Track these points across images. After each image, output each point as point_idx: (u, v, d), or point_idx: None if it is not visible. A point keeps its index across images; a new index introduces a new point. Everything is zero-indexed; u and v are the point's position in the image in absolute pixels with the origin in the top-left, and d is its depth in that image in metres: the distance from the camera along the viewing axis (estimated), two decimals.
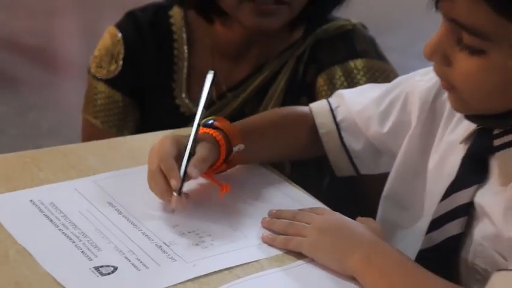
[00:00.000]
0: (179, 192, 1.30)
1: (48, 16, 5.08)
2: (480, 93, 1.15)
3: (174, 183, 1.29)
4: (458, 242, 1.25)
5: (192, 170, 1.31)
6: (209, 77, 1.39)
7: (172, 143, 1.35)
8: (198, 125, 1.37)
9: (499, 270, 1.11)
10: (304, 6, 1.68)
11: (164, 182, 1.31)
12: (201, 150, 1.34)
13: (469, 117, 1.25)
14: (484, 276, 1.17)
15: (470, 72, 1.13)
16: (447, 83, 1.19)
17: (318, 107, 1.57)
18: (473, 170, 1.26)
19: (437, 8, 1.13)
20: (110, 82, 1.81)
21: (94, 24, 5.09)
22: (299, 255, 1.26)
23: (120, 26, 1.82)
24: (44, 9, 5.13)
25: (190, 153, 1.33)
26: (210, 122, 1.45)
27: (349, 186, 1.60)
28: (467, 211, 1.24)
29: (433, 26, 1.19)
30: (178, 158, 1.33)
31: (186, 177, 1.31)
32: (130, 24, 1.82)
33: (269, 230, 1.32)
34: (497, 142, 1.22)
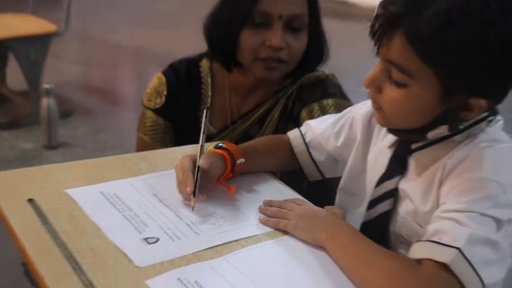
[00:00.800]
0: (194, 194, 1.30)
1: (113, 68, 5.09)
2: (400, 114, 1.16)
3: (189, 189, 1.30)
4: (388, 216, 1.26)
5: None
6: (205, 112, 1.39)
7: (189, 161, 1.36)
8: (202, 146, 1.37)
9: (417, 241, 1.09)
10: (296, 64, 1.68)
11: (184, 189, 1.32)
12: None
13: (390, 131, 1.25)
14: (407, 240, 1.17)
15: (394, 99, 1.13)
16: (377, 105, 1.19)
17: (293, 134, 1.56)
18: (397, 166, 1.26)
19: (378, 52, 1.13)
20: (156, 111, 1.81)
21: (143, 73, 5.10)
22: (285, 232, 1.26)
23: (164, 72, 1.82)
24: (110, 63, 5.14)
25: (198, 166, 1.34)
26: (220, 145, 1.45)
27: (320, 186, 1.59)
28: (394, 194, 1.25)
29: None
30: (194, 170, 1.34)
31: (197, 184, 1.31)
32: (171, 71, 1.81)
33: (263, 214, 1.31)
34: (413, 146, 1.23)
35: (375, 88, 1.17)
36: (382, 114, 1.19)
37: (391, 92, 1.13)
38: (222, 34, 1.67)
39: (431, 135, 1.17)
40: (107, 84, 4.74)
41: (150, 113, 1.82)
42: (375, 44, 1.13)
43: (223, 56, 1.71)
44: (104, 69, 5.01)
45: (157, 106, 1.81)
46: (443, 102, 1.10)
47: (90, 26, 5.93)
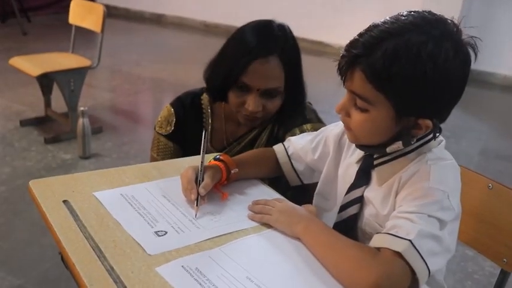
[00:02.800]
0: (197, 203, 1.29)
1: (135, 94, 5.08)
2: (365, 133, 1.15)
3: (193, 197, 1.29)
4: (356, 217, 1.25)
5: (201, 191, 1.30)
6: (204, 134, 1.38)
7: (192, 172, 1.35)
8: (202, 162, 1.36)
9: (377, 233, 1.10)
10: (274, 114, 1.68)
11: (190, 195, 1.31)
12: (207, 178, 1.34)
13: (358, 146, 1.25)
14: (370, 236, 1.16)
15: (359, 122, 1.13)
16: (347, 126, 1.19)
17: (278, 148, 1.55)
18: (363, 177, 1.25)
19: (344, 84, 1.13)
20: (167, 136, 1.79)
21: (159, 98, 5.10)
22: (268, 225, 1.25)
23: (172, 104, 1.79)
24: (133, 90, 5.13)
25: (201, 179, 1.34)
26: (217, 157, 1.45)
27: (303, 194, 1.57)
28: (360, 200, 1.24)
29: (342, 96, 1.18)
30: (196, 179, 1.34)
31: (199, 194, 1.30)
32: (179, 103, 1.79)
33: (251, 211, 1.30)
34: (375, 162, 1.23)
35: (345, 113, 1.17)
36: (351, 133, 1.19)
37: (356, 116, 1.14)
38: (216, 85, 1.67)
39: (389, 149, 1.16)
40: (130, 107, 4.73)
41: (162, 138, 1.80)
42: (341, 78, 1.13)
43: (218, 98, 1.71)
44: (128, 95, 5.00)
45: (168, 132, 1.79)
46: (397, 123, 1.11)
47: (117, 61, 5.92)
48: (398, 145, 1.15)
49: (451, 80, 1.06)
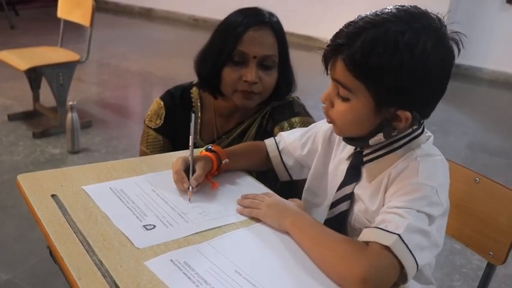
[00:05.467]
0: (188, 188, 1.30)
1: (124, 88, 5.06)
2: (346, 124, 1.17)
3: (185, 185, 1.32)
4: (346, 214, 1.25)
5: (192, 182, 1.32)
6: (193, 116, 1.38)
7: (182, 161, 1.37)
8: (191, 146, 1.36)
9: (366, 227, 1.10)
10: (269, 96, 1.69)
11: (182, 185, 1.33)
12: (198, 169, 1.35)
13: (345, 140, 1.26)
14: (360, 231, 1.16)
15: (341, 112, 1.15)
16: (329, 119, 1.20)
17: (269, 142, 1.56)
18: (353, 174, 1.26)
19: (327, 73, 1.15)
20: (156, 130, 1.79)
21: (148, 92, 5.08)
22: (257, 219, 1.25)
23: (162, 98, 1.80)
24: (121, 84, 5.11)
25: (192, 164, 1.35)
26: (209, 147, 1.46)
27: (290, 188, 1.58)
28: (351, 197, 1.24)
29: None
30: (186, 169, 1.35)
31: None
32: (168, 97, 1.79)
33: (240, 205, 1.30)
34: (365, 159, 1.23)
35: (329, 103, 1.18)
36: (335, 125, 1.20)
37: (339, 106, 1.15)
38: (208, 70, 1.67)
39: (372, 141, 1.17)
40: (119, 101, 4.71)
41: (151, 132, 1.80)
42: (325, 67, 1.15)
43: (210, 87, 1.71)
44: (117, 89, 4.98)
45: (157, 126, 1.79)
46: (377, 114, 1.12)
47: (106, 55, 5.89)
48: (379, 137, 1.15)
49: (430, 72, 1.06)
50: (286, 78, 1.71)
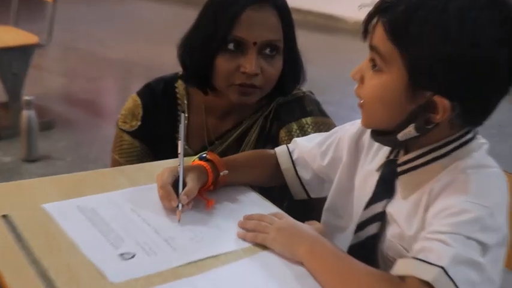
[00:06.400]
0: (178, 207, 1.31)
1: (97, 79, 5.08)
2: (374, 104, 1.19)
3: (173, 203, 1.32)
4: (376, 239, 1.26)
5: (183, 198, 1.32)
6: (183, 116, 1.41)
7: (169, 173, 1.37)
8: (181, 153, 1.38)
9: (401, 257, 1.11)
10: (272, 88, 1.69)
11: (169, 202, 1.33)
12: (190, 182, 1.36)
13: (373, 135, 1.27)
14: (393, 263, 1.16)
15: (371, 86, 1.18)
16: (359, 97, 1.22)
17: (280, 151, 1.57)
18: (384, 188, 1.26)
19: (365, 38, 1.18)
20: (132, 133, 1.79)
21: (127, 86, 5.11)
22: (263, 247, 1.25)
23: (139, 93, 1.80)
24: (94, 74, 5.13)
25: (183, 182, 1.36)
26: (204, 155, 1.46)
27: (302, 206, 1.58)
28: (381, 217, 1.25)
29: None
30: (174, 183, 1.36)
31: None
32: (147, 92, 1.80)
33: (243, 228, 1.31)
34: (399, 169, 1.24)
35: (360, 78, 1.20)
36: (364, 113, 1.23)
37: (370, 80, 1.18)
38: (196, 58, 1.66)
39: (401, 135, 1.17)
40: (91, 96, 4.74)
41: (125, 136, 1.79)
42: (364, 30, 1.18)
43: (197, 80, 1.71)
44: (88, 80, 5.01)
45: (133, 129, 1.79)
46: (410, 98, 1.13)
47: (74, 37, 5.93)
48: (410, 129, 1.15)
49: (482, 52, 1.06)
50: (292, 68, 1.71)
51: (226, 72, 1.62)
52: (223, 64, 1.62)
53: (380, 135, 1.24)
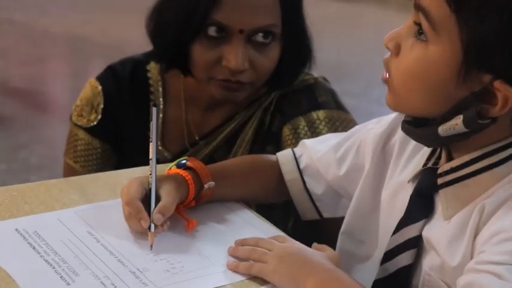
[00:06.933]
0: (149, 228, 1.31)
1: (40, 62, 5.08)
2: (412, 82, 1.17)
3: (144, 224, 1.31)
4: (409, 272, 1.26)
5: (156, 217, 1.32)
6: (155, 111, 1.39)
7: (137, 186, 1.37)
8: (155, 169, 1.38)
9: None
10: (269, 77, 1.69)
11: (138, 222, 1.33)
12: (165, 197, 1.36)
13: (404, 126, 1.25)
14: None
15: (411, 60, 1.16)
16: (387, 74, 1.21)
17: (284, 156, 1.57)
18: (421, 206, 1.26)
19: None
20: (90, 130, 1.80)
21: (82, 70, 5.10)
22: (261, 280, 1.25)
23: (100, 78, 1.81)
24: (36, 56, 5.13)
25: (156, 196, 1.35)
26: (183, 162, 1.46)
27: (311, 228, 1.59)
28: (416, 244, 1.25)
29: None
30: (145, 198, 1.36)
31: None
32: (110, 77, 1.81)
33: (234, 257, 1.31)
34: (440, 181, 1.23)
35: (394, 47, 1.19)
36: (390, 91, 1.21)
37: (409, 52, 1.16)
38: (167, 40, 1.66)
39: (443, 129, 1.15)
40: (32, 85, 4.73)
41: (81, 133, 1.81)
42: None
43: (172, 62, 1.71)
44: (28, 63, 5.00)
45: (92, 124, 1.80)
46: (462, 81, 1.11)
47: (9, 6, 5.92)
48: (457, 121, 1.13)
49: None
50: (296, 53, 1.71)
51: (205, 64, 1.63)
52: (201, 53, 1.62)
53: (413, 124, 1.23)
